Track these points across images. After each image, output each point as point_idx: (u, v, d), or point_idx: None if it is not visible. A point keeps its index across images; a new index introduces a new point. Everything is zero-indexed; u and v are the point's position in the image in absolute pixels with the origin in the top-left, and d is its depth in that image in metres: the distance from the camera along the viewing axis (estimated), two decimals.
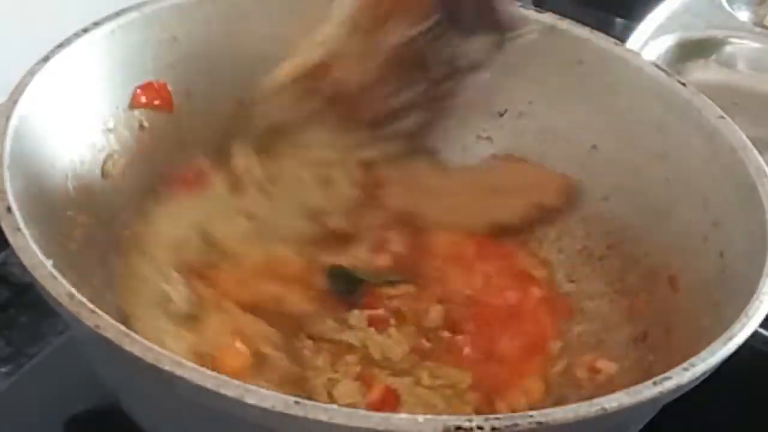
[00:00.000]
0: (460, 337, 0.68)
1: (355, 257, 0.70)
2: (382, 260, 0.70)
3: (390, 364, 0.66)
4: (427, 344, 0.67)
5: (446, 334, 0.68)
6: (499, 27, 0.66)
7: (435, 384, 0.65)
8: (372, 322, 0.68)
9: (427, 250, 0.71)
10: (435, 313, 0.69)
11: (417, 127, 0.71)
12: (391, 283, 0.70)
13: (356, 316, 0.68)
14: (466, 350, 0.67)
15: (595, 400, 0.46)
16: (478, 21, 0.66)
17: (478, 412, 0.62)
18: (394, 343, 0.66)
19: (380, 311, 0.68)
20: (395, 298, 0.69)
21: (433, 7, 0.65)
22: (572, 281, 0.73)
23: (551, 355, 0.67)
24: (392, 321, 0.68)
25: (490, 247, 0.72)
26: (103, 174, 0.67)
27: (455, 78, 0.68)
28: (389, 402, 0.63)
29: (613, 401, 0.46)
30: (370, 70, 0.67)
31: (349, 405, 0.59)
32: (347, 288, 0.69)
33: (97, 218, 0.66)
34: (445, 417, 0.44)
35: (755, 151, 0.64)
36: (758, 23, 1.00)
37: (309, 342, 0.66)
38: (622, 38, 0.81)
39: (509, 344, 0.67)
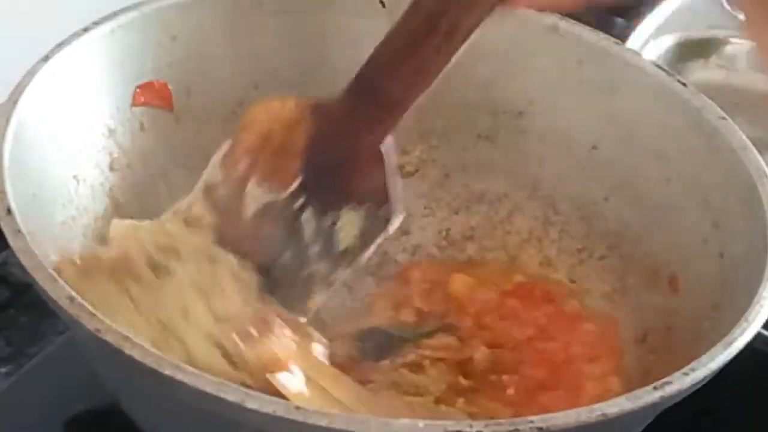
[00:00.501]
0: (506, 377, 0.65)
1: (380, 316, 0.67)
2: (406, 315, 0.68)
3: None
4: (465, 382, 0.64)
5: (491, 375, 0.65)
6: (373, 202, 0.58)
7: (468, 410, 0.62)
8: (405, 365, 0.64)
9: (458, 305, 0.69)
10: (481, 356, 0.65)
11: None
12: (428, 335, 0.66)
13: (385, 366, 0.64)
14: (510, 391, 0.64)
15: (596, 405, 0.46)
16: (351, 193, 0.58)
17: None
18: (429, 382, 0.63)
19: (413, 356, 0.65)
20: (438, 349, 0.65)
21: (299, 169, 0.58)
22: (572, 281, 0.73)
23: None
24: (427, 363, 0.64)
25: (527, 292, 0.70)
26: (104, 174, 0.67)
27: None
28: None
29: (613, 406, 0.46)
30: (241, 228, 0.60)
31: None
32: (379, 347, 0.65)
33: (96, 218, 0.66)
34: (445, 422, 0.44)
35: (756, 152, 0.63)
36: None
37: None
38: (622, 38, 0.81)
39: (554, 395, 0.63)
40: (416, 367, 0.64)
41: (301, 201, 0.58)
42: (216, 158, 0.60)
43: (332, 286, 0.60)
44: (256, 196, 0.59)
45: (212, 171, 0.60)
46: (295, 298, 0.59)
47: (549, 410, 0.45)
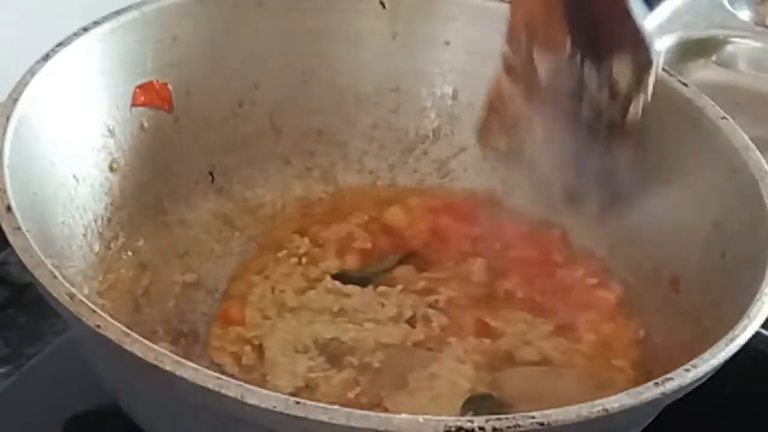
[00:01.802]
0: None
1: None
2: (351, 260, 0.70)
3: None
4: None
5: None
6: (632, 46, 0.65)
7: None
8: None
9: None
10: (478, 267, 0.70)
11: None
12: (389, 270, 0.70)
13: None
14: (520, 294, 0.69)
15: (597, 401, 0.45)
16: (613, 41, 0.64)
17: None
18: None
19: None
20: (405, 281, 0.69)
21: (569, 31, 0.64)
22: None
23: None
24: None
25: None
26: (104, 174, 0.67)
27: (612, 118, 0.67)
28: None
29: (614, 402, 0.46)
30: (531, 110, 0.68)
31: None
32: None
33: (96, 217, 0.66)
34: (445, 417, 0.43)
35: (757, 152, 0.63)
36: (759, 23, 1.00)
37: None
38: None
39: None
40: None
41: (578, 56, 0.64)
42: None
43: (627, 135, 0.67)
44: (542, 61, 0.65)
45: (504, 50, 0.67)
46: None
47: None
